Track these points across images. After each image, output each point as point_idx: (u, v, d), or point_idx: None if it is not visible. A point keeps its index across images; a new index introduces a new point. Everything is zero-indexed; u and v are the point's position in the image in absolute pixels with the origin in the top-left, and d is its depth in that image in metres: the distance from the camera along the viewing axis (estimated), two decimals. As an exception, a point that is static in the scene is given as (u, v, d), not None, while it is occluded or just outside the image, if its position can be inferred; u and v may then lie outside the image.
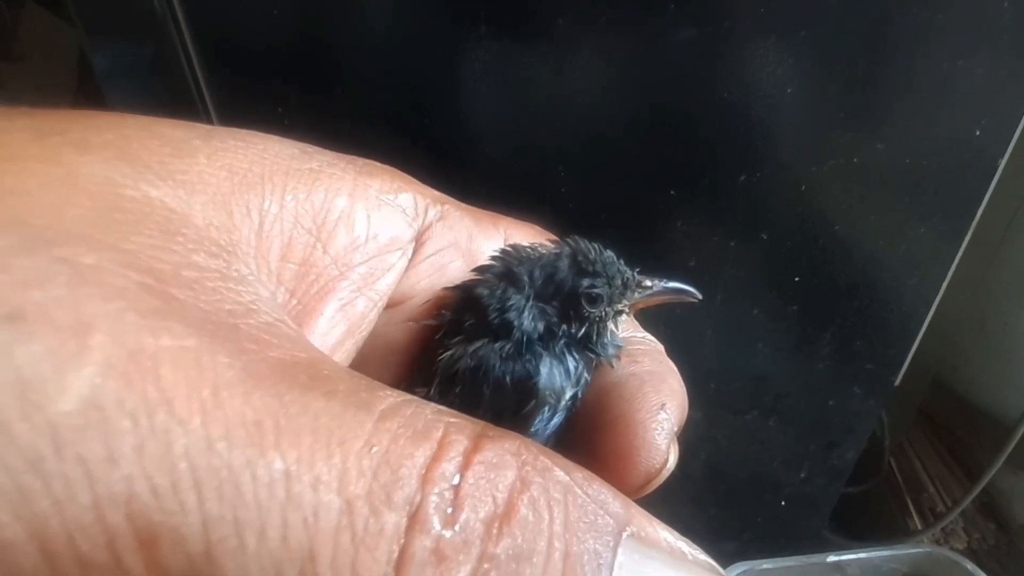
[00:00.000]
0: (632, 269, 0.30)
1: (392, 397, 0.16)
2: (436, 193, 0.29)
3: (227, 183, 0.21)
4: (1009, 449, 0.91)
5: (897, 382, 0.86)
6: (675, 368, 0.29)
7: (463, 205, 0.30)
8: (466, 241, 0.29)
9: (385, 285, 0.26)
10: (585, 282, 0.28)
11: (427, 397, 0.25)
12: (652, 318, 0.33)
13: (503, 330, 0.27)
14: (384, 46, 0.64)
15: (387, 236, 0.26)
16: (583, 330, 0.28)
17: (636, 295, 0.30)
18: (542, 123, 0.66)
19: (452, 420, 0.16)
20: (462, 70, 0.63)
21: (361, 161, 0.27)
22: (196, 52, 0.64)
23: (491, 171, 0.70)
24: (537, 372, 0.27)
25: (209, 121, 0.68)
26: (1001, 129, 0.66)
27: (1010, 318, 1.03)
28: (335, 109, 0.67)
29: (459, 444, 0.15)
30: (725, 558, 0.89)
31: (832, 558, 0.92)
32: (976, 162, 0.69)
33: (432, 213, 0.28)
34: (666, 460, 0.25)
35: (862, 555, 0.93)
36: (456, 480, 0.15)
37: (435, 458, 0.15)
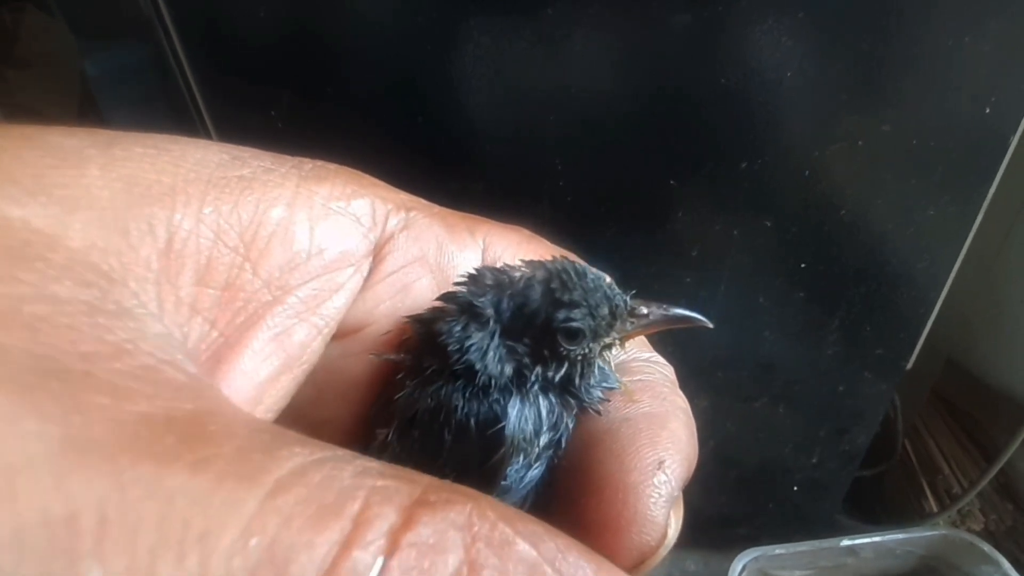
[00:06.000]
0: (625, 293, 0.25)
1: (300, 456, 0.13)
2: (403, 196, 0.25)
3: (123, 196, 0.18)
4: (1026, 429, 0.90)
5: (909, 365, 0.85)
6: (684, 403, 0.24)
7: (436, 209, 0.25)
8: (435, 254, 0.24)
9: (333, 309, 0.23)
10: (561, 314, 0.23)
11: (386, 441, 0.23)
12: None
13: (466, 375, 0.23)
14: (374, 41, 0.63)
15: (335, 251, 0.22)
16: (562, 371, 0.24)
17: (629, 325, 0.25)
18: (537, 117, 0.65)
19: (379, 484, 0.13)
20: (454, 64, 0.62)
21: (311, 164, 0.23)
22: (185, 55, 0.63)
23: (487, 166, 0.69)
24: (505, 415, 0.23)
25: (204, 125, 0.67)
26: (1012, 106, 0.64)
27: (1026, 296, 1.00)
28: (327, 109, 0.67)
29: (384, 520, 0.12)
30: (737, 544, 0.89)
31: (846, 542, 0.91)
32: (986, 141, 0.67)
33: (394, 221, 0.24)
34: (664, 535, 0.21)
35: (876, 539, 0.92)
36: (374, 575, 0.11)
37: (347, 544, 0.12)
